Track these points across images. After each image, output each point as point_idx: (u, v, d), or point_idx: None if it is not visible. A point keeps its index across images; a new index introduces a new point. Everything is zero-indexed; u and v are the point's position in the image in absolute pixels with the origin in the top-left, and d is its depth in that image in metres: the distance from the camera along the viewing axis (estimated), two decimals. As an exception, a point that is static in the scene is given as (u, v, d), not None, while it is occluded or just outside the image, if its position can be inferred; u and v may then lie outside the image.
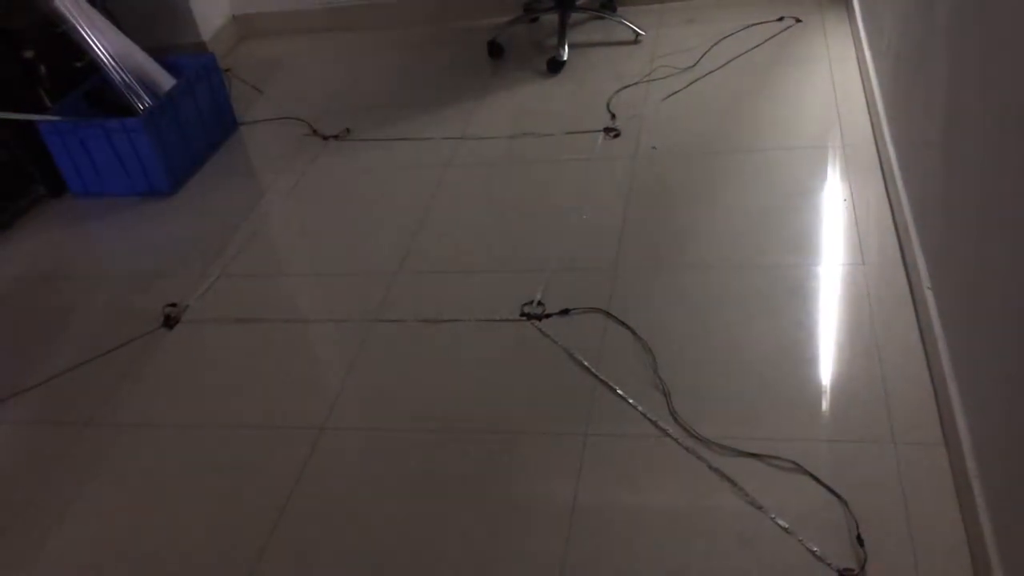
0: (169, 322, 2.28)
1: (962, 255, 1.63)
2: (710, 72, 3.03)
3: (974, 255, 1.55)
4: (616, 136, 2.77)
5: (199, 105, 3.00)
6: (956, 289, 1.67)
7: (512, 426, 1.83)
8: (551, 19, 3.47)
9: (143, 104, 2.84)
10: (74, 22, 2.79)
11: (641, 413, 1.80)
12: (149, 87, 2.89)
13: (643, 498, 1.64)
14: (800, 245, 2.18)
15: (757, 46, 3.13)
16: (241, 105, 3.32)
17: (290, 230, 2.62)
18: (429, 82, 3.34)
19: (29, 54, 2.82)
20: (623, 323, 2.03)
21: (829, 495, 1.57)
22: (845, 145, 2.51)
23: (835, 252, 2.13)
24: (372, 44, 3.73)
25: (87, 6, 2.85)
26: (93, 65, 2.86)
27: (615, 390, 1.86)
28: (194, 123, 2.97)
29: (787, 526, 1.53)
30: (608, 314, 2.06)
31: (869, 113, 2.62)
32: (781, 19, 3.27)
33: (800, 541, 1.50)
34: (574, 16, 3.52)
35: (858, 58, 2.90)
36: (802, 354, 1.88)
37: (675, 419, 1.77)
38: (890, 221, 2.19)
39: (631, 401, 1.83)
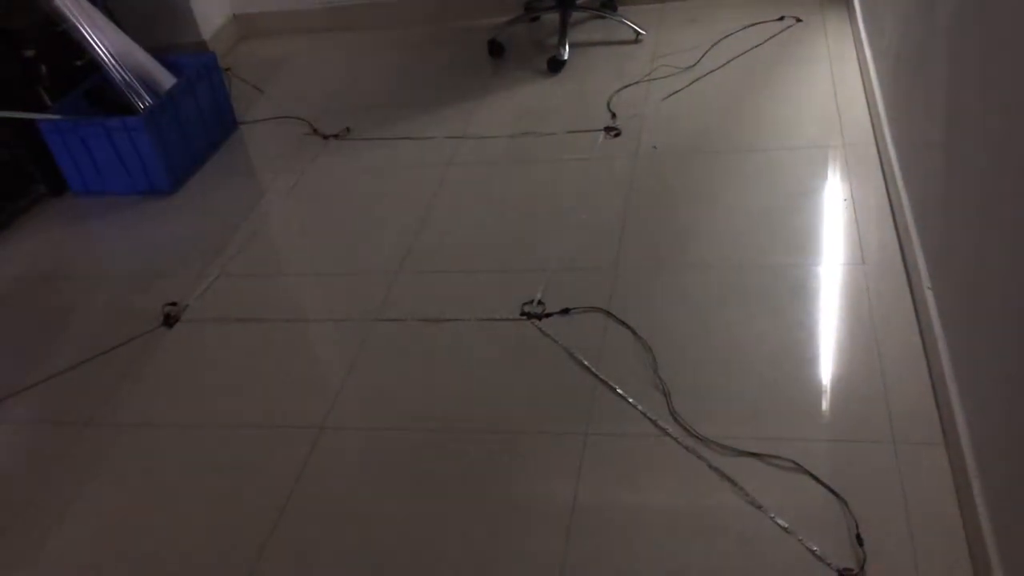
0: (169, 321, 2.28)
1: (962, 255, 1.63)
2: (711, 72, 3.03)
3: (974, 255, 1.55)
4: (617, 135, 2.77)
5: (199, 104, 3.00)
6: (956, 289, 1.67)
7: (512, 426, 1.83)
8: (552, 18, 3.47)
9: (144, 103, 2.84)
10: (74, 21, 2.79)
11: (641, 413, 1.80)
12: (150, 86, 2.89)
13: (643, 498, 1.64)
14: (800, 245, 2.18)
15: (758, 46, 3.13)
16: (241, 104, 3.32)
17: (290, 229, 2.62)
18: (429, 81, 3.34)
19: (30, 53, 2.82)
20: (623, 323, 2.03)
21: (829, 495, 1.57)
22: (846, 145, 2.51)
23: (835, 252, 2.13)
24: (372, 43, 3.73)
25: (88, 5, 2.84)
26: (94, 64, 2.86)
27: (615, 389, 1.86)
28: (194, 122, 2.97)
29: (787, 526, 1.53)
30: (608, 313, 2.06)
31: (870, 113, 2.61)
32: (782, 19, 3.27)
33: (800, 541, 1.50)
34: (575, 15, 3.52)
35: (859, 58, 2.90)
36: (802, 354, 1.88)
37: (675, 419, 1.77)
38: (890, 221, 2.19)
39: (631, 400, 1.83)
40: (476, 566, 1.57)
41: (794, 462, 1.63)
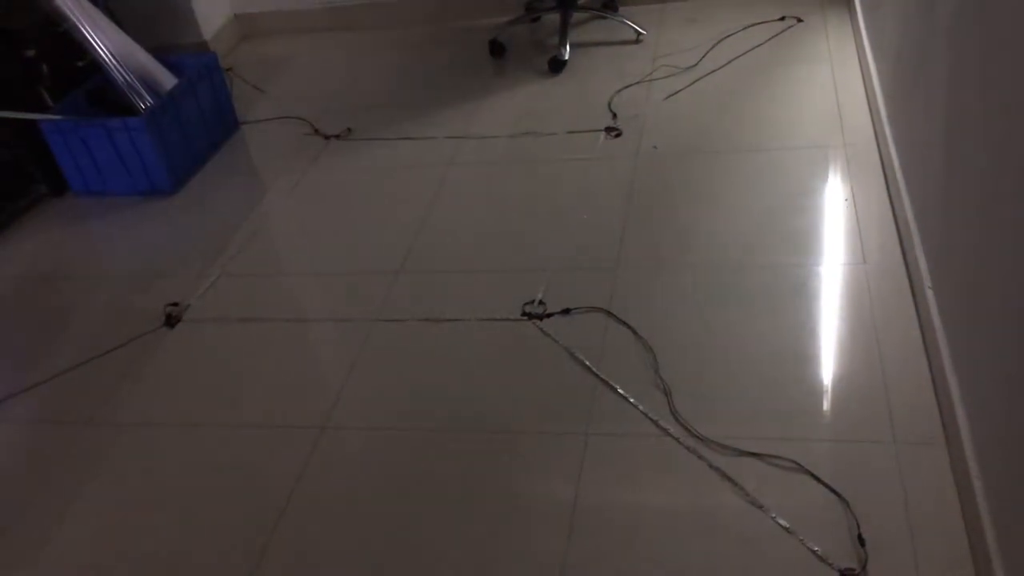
0: (170, 321, 2.28)
1: (963, 255, 1.63)
2: (711, 72, 3.03)
3: (975, 255, 1.55)
4: (617, 135, 2.77)
5: (200, 104, 3.00)
6: (957, 289, 1.67)
7: (513, 426, 1.83)
8: (552, 18, 3.47)
9: (144, 103, 2.84)
10: (75, 21, 2.79)
11: (642, 412, 1.79)
12: (151, 86, 2.89)
13: (644, 498, 1.64)
14: (801, 245, 2.17)
15: (758, 46, 3.13)
16: (242, 104, 3.32)
17: (291, 229, 2.62)
18: (430, 81, 3.34)
19: (31, 53, 2.82)
20: (624, 322, 2.03)
21: (830, 494, 1.57)
22: (846, 145, 2.51)
23: (836, 252, 2.13)
24: (373, 43, 3.73)
25: (89, 5, 2.85)
26: (95, 64, 2.86)
27: (616, 389, 1.86)
28: (195, 122, 2.98)
29: (788, 525, 1.53)
30: (609, 313, 2.06)
31: (870, 113, 2.61)
32: (783, 19, 3.27)
33: (801, 540, 1.50)
34: (576, 15, 3.52)
35: (859, 58, 2.90)
36: (803, 353, 1.87)
37: (676, 418, 1.77)
38: (891, 221, 2.19)
39: (632, 400, 1.83)
40: (476, 566, 1.57)
41: (795, 462, 1.63)
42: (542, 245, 2.34)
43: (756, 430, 1.71)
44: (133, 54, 2.90)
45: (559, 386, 1.90)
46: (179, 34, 3.64)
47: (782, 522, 1.54)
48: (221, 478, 1.83)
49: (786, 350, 1.89)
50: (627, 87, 3.02)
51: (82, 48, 2.84)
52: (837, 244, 2.15)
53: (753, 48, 3.12)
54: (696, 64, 3.08)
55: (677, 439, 1.72)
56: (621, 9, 3.55)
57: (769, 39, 3.16)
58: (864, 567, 1.44)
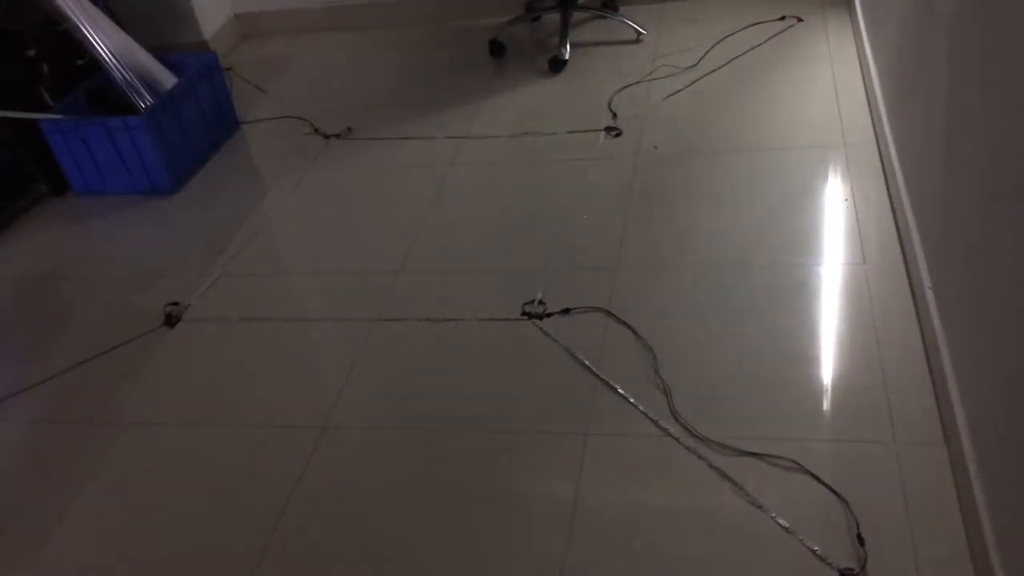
0: (170, 321, 2.28)
1: (963, 255, 1.63)
2: (711, 71, 3.03)
3: (975, 255, 1.55)
4: (617, 135, 2.77)
5: (201, 104, 3.00)
6: (957, 289, 1.67)
7: (513, 426, 1.83)
8: (552, 18, 3.47)
9: (145, 103, 2.84)
10: (76, 20, 2.79)
11: (642, 412, 1.79)
12: (151, 86, 2.89)
13: (643, 498, 1.64)
14: (801, 245, 2.17)
15: (758, 45, 3.13)
16: (243, 104, 3.32)
17: (292, 229, 2.62)
18: (431, 81, 3.34)
19: (31, 53, 2.82)
20: (624, 322, 2.03)
21: (830, 494, 1.57)
22: (846, 145, 2.51)
23: (836, 252, 2.13)
24: (374, 43, 3.73)
25: (89, 5, 2.85)
26: (95, 64, 2.87)
27: (616, 389, 1.86)
28: (196, 122, 2.98)
29: (788, 525, 1.53)
30: (609, 313, 2.06)
31: (870, 113, 2.61)
32: (783, 18, 3.27)
33: (801, 540, 1.50)
34: (576, 15, 3.53)
35: (859, 58, 2.90)
36: (803, 353, 1.87)
37: (676, 418, 1.77)
38: (891, 221, 2.19)
39: (632, 400, 1.83)
40: (476, 566, 1.57)
41: (795, 462, 1.63)
42: (542, 245, 2.34)
43: (756, 430, 1.71)
44: (133, 53, 2.90)
45: (559, 386, 1.90)
46: (179, 33, 3.64)
47: (782, 522, 1.54)
48: (221, 478, 1.83)
49: (786, 350, 1.89)
50: (627, 87, 3.02)
51: (82, 47, 2.84)
52: (837, 244, 2.15)
53: (753, 48, 3.12)
54: (696, 64, 3.08)
55: (677, 439, 1.72)
56: (621, 9, 3.55)
57: (769, 39, 3.16)
58: (864, 567, 1.45)
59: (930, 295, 1.82)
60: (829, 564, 1.46)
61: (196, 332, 2.25)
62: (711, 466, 1.66)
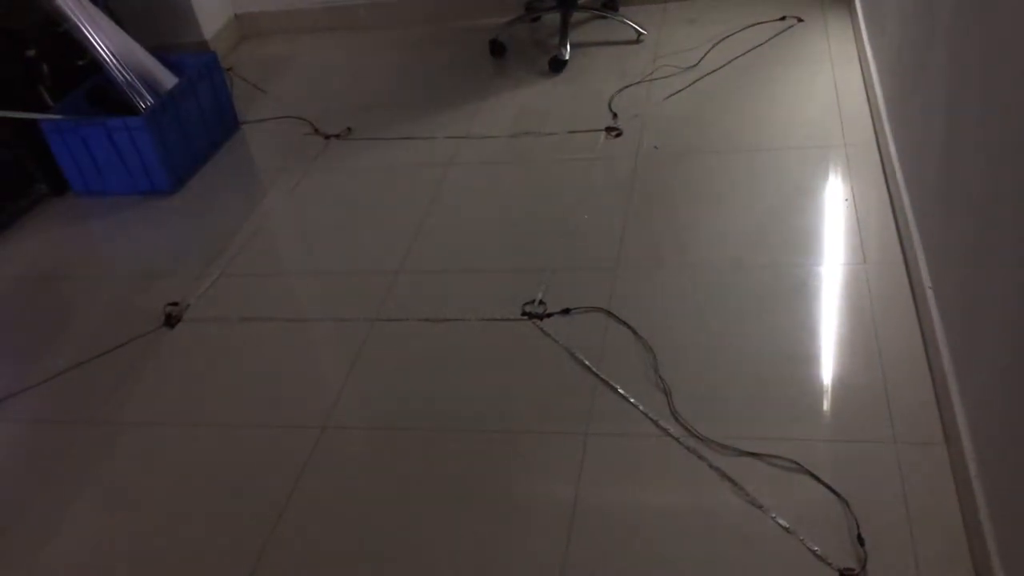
0: (170, 321, 2.28)
1: (963, 255, 1.63)
2: (712, 71, 3.02)
3: (975, 255, 1.54)
4: (618, 135, 2.77)
5: (201, 104, 3.00)
6: (957, 289, 1.67)
7: (513, 425, 1.83)
8: (553, 18, 3.47)
9: (145, 103, 2.84)
10: (76, 21, 2.79)
11: (642, 412, 1.79)
12: (151, 86, 2.89)
13: (643, 498, 1.64)
14: (801, 244, 2.17)
15: (759, 45, 3.13)
16: (243, 104, 3.32)
17: (292, 229, 2.62)
18: (431, 81, 3.34)
19: (31, 53, 2.82)
20: (624, 322, 2.03)
21: (830, 494, 1.57)
22: (847, 145, 2.51)
23: (836, 251, 2.13)
24: (374, 43, 3.73)
25: (89, 5, 2.85)
26: (95, 64, 2.87)
27: (616, 389, 1.86)
28: (196, 122, 2.98)
29: (788, 525, 1.53)
30: (609, 313, 2.06)
31: (871, 112, 2.61)
32: (783, 19, 3.27)
33: (801, 540, 1.50)
34: (576, 15, 3.53)
35: (860, 58, 2.90)
36: (803, 353, 1.87)
37: (676, 418, 1.77)
38: (891, 220, 2.19)
39: (632, 400, 1.83)
40: (476, 566, 1.57)
41: (795, 462, 1.63)
42: (542, 245, 2.34)
43: (756, 430, 1.71)
44: (133, 53, 2.90)
45: (559, 386, 1.90)
46: (179, 33, 3.64)
47: (782, 522, 1.54)
48: (221, 478, 1.83)
49: (786, 350, 1.89)
50: (627, 87, 3.02)
51: (82, 48, 2.84)
52: (837, 244, 2.15)
53: (753, 48, 3.12)
54: (696, 64, 3.08)
55: (677, 439, 1.72)
56: (621, 9, 3.55)
57: (769, 39, 3.16)
58: (864, 567, 1.44)
59: (930, 295, 1.82)
60: (829, 564, 1.46)
61: (196, 332, 2.25)
62: (711, 466, 1.66)
